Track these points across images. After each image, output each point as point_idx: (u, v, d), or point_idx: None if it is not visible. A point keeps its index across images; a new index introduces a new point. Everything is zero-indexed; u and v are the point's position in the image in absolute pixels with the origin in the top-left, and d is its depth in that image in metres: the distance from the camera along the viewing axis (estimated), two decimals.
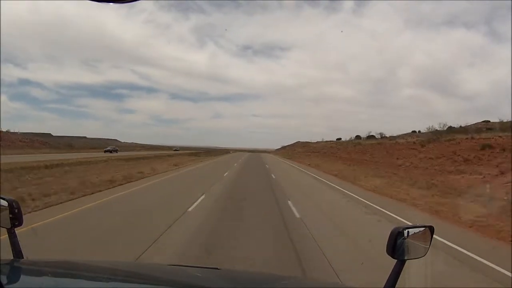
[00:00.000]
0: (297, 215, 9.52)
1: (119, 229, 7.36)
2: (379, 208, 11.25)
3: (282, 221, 8.75)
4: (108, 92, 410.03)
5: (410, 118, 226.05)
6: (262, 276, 2.49)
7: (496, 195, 12.27)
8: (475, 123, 44.81)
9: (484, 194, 12.71)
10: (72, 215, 8.61)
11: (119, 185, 14.36)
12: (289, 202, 11.66)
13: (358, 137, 68.34)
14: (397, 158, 32.27)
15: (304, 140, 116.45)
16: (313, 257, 5.74)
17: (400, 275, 1.39)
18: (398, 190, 15.18)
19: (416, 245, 1.50)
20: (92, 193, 11.89)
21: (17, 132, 76.14)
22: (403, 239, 1.43)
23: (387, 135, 56.99)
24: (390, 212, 10.44)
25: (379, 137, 59.85)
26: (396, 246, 1.40)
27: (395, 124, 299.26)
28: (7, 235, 1.49)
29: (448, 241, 6.86)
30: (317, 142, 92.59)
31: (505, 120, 35.22)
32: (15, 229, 1.50)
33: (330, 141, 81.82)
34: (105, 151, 58.10)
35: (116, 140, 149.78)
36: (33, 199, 9.92)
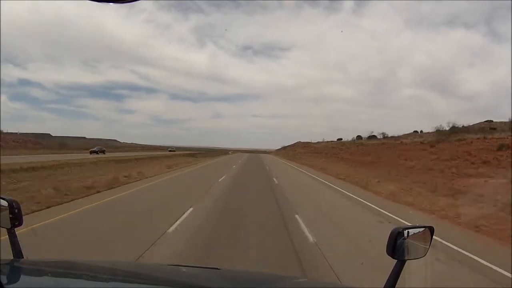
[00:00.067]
0: (311, 238, 7.22)
1: None
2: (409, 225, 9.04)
3: (294, 253, 6.20)
4: (107, 92, 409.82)
5: (410, 118, 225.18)
6: (262, 276, 2.43)
7: None
8: (478, 123, 44.26)
9: None
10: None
11: (96, 192, 12.33)
12: (298, 218, 9.26)
13: (359, 137, 67.56)
14: (406, 159, 30.44)
15: (305, 140, 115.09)
16: None
17: (400, 275, 1.39)
18: (419, 199, 13.16)
19: (416, 246, 1.50)
20: (59, 204, 9.89)
21: (17, 133, 75.81)
22: (403, 239, 1.43)
23: (390, 135, 55.86)
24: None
25: (381, 137, 58.75)
26: (396, 246, 1.41)
27: (395, 124, 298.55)
28: (7, 235, 1.49)
29: None
30: (318, 143, 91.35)
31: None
32: (15, 229, 1.49)
33: (331, 141, 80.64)
34: (91, 152, 53.90)
35: (115, 140, 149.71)
36: None
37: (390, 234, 1.41)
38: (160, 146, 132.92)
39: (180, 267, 2.00)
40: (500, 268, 5.63)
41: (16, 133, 76.00)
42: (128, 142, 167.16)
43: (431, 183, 17.00)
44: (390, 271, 1.41)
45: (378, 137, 61.06)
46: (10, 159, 25.03)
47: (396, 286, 1.36)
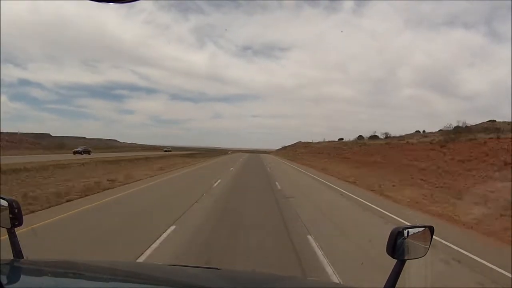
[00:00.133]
0: (328, 268, 5.29)
1: None
2: (459, 250, 6.70)
3: None
4: (107, 92, 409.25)
5: (410, 118, 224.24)
6: (262, 276, 2.39)
7: None
8: (481, 123, 43.17)
9: None
10: None
11: (66, 201, 10.39)
12: (311, 239, 7.11)
13: (360, 137, 66.68)
14: (416, 160, 28.69)
15: (305, 140, 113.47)
16: None
17: (400, 275, 1.37)
18: (450, 208, 11.30)
19: (416, 245, 1.49)
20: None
21: (17, 133, 75.34)
22: (403, 239, 1.42)
23: (392, 135, 54.47)
24: (481, 259, 6.20)
25: (384, 137, 57.31)
26: (396, 246, 1.39)
27: (395, 124, 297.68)
28: (7, 235, 1.47)
29: None
30: (318, 142, 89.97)
31: None
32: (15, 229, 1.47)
33: (332, 141, 79.18)
34: (74, 153, 46.98)
35: (115, 140, 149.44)
36: None
37: (390, 233, 1.41)
38: (160, 146, 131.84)
39: (180, 267, 2.00)
40: None
41: (16, 133, 75.15)
42: (128, 142, 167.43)
43: (453, 188, 15.20)
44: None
45: (380, 137, 59.95)
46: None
47: (396, 286, 1.36)
